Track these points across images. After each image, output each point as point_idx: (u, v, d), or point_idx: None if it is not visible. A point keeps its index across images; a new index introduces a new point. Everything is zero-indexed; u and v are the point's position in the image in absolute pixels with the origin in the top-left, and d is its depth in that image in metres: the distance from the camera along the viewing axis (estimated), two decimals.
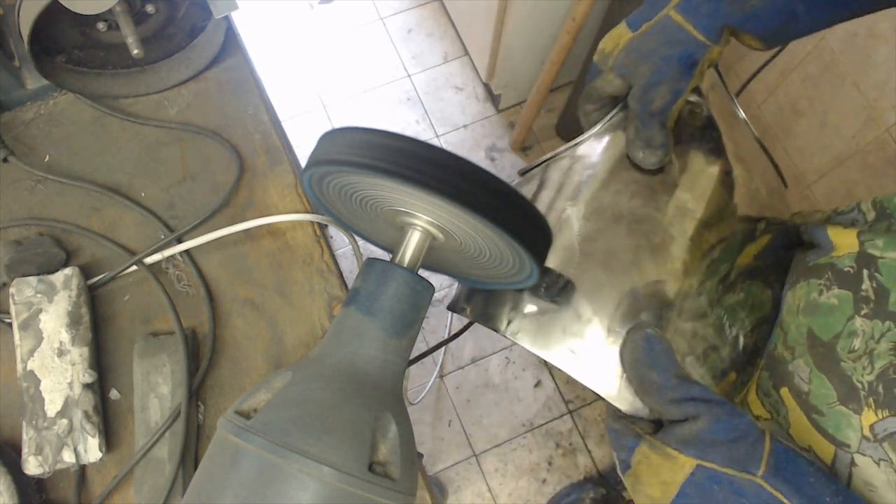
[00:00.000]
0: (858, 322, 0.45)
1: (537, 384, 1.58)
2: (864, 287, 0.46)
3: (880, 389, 0.43)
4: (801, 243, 0.57)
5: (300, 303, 0.63)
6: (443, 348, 1.59)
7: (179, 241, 0.63)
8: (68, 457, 0.54)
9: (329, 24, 1.90)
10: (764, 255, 0.54)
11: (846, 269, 0.48)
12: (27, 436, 0.54)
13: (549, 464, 1.53)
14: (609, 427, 0.47)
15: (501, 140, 1.78)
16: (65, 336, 0.56)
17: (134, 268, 0.62)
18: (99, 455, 0.55)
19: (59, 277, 0.58)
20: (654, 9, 0.50)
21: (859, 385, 0.44)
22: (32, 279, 0.58)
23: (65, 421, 0.54)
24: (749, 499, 0.39)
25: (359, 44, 1.89)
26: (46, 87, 0.68)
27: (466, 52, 1.85)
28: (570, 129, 1.72)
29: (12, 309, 0.57)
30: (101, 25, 0.64)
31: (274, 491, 0.37)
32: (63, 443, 0.54)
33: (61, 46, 0.65)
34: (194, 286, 0.63)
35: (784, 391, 0.51)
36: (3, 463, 0.54)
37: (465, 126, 1.80)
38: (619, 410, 0.47)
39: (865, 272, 0.46)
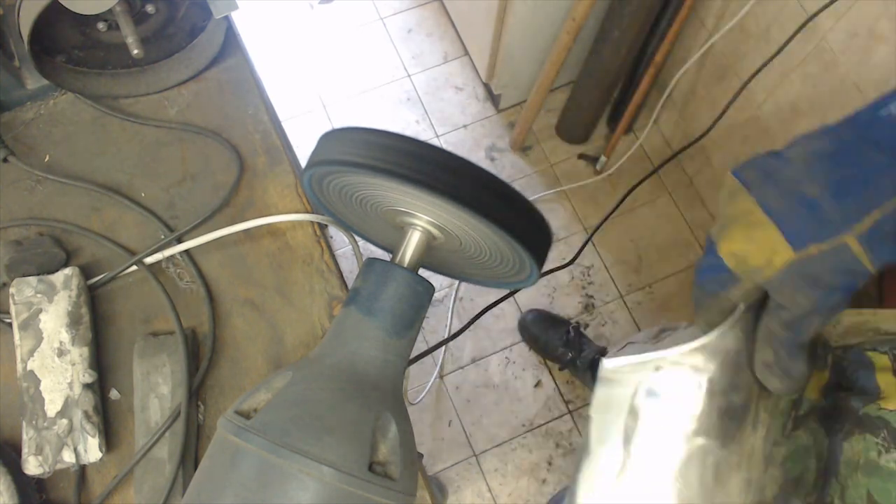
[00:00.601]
0: None
1: (537, 384, 1.58)
2: None
3: None
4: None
5: (300, 303, 0.63)
6: (443, 348, 1.59)
7: (179, 241, 0.63)
8: (68, 457, 0.54)
9: (329, 24, 1.90)
10: (827, 390, 0.50)
11: None
12: (27, 436, 0.54)
13: (549, 464, 1.53)
14: None
15: (501, 140, 1.78)
16: (65, 336, 0.56)
17: (134, 268, 0.62)
18: (99, 455, 0.55)
19: (59, 277, 0.58)
20: (822, 226, 0.40)
21: None
22: (32, 279, 0.58)
23: (65, 421, 0.54)
24: None
25: (359, 44, 1.89)
26: (46, 87, 0.68)
27: (466, 52, 1.85)
28: (570, 129, 1.72)
29: (12, 309, 0.57)
30: (101, 25, 0.64)
31: (274, 491, 0.37)
32: (63, 443, 0.54)
33: (61, 46, 0.65)
34: (194, 286, 0.63)
35: None
36: (3, 463, 0.54)
37: (465, 126, 1.80)
38: None
39: None
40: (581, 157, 1.74)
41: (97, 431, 0.55)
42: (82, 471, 0.57)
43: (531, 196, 1.71)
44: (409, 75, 1.85)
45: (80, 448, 0.54)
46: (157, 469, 0.55)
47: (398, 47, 1.88)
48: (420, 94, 1.84)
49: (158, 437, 0.55)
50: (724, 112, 1.32)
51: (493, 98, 1.80)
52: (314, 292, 0.64)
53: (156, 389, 0.57)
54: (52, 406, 0.54)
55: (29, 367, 0.55)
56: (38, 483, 0.56)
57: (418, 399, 1.53)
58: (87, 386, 0.56)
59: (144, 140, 0.68)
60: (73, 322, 0.57)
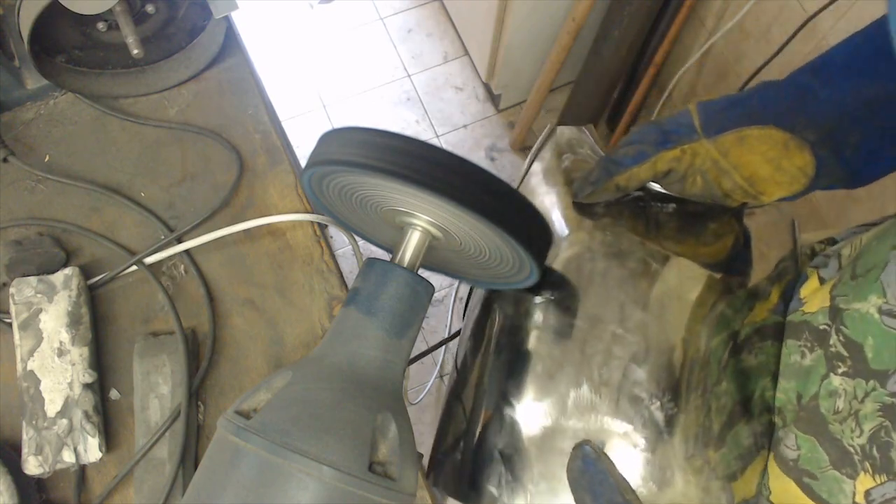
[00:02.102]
0: (837, 381, 0.43)
1: None
2: (831, 342, 0.43)
3: (875, 453, 0.40)
4: None
5: (300, 303, 0.63)
6: (443, 348, 1.59)
7: (179, 241, 0.63)
8: (68, 457, 0.54)
9: (329, 24, 1.90)
10: (777, 308, 0.51)
11: (821, 326, 0.46)
12: (27, 436, 0.54)
13: None
14: None
15: (501, 140, 1.78)
16: (65, 336, 0.56)
17: (134, 268, 0.62)
18: (99, 455, 0.55)
19: (59, 277, 0.58)
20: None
21: (851, 449, 0.42)
22: (32, 279, 0.58)
23: (65, 421, 0.54)
24: None
25: (359, 44, 1.89)
26: (46, 87, 0.68)
27: (466, 52, 1.85)
28: None
29: (12, 309, 0.57)
30: (101, 25, 0.64)
31: (274, 491, 0.37)
32: (63, 443, 0.54)
33: (61, 46, 0.65)
34: (194, 286, 0.63)
35: (770, 458, 0.49)
36: (3, 463, 0.54)
37: (465, 126, 1.80)
38: None
39: (832, 327, 0.44)
40: None
41: (97, 431, 0.55)
42: (82, 471, 0.57)
43: None
44: (408, 75, 1.85)
45: (80, 448, 0.54)
46: (157, 469, 0.55)
47: (398, 47, 1.88)
48: (420, 94, 1.84)
49: (158, 437, 0.55)
50: None
51: (493, 98, 1.80)
52: (314, 292, 0.64)
53: (156, 389, 0.57)
54: (52, 406, 0.54)
55: (29, 367, 0.55)
56: (38, 483, 0.56)
57: (418, 399, 1.53)
58: (87, 386, 0.56)
59: (144, 140, 0.68)
60: (73, 322, 0.57)
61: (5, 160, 0.65)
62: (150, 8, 0.65)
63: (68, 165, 0.67)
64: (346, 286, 0.64)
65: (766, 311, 0.51)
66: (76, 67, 0.67)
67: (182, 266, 0.64)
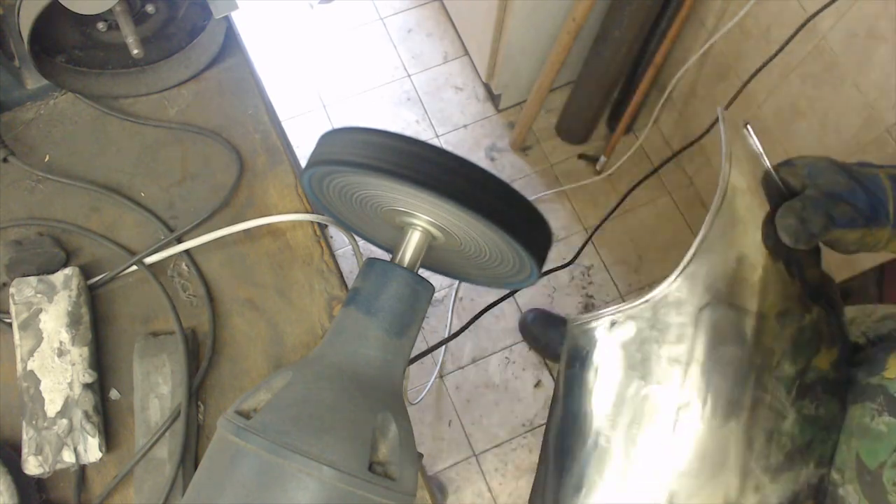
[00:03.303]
0: None
1: (537, 384, 1.58)
2: None
3: None
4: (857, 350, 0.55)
5: (300, 303, 0.63)
6: (443, 348, 1.59)
7: (179, 241, 0.63)
8: (68, 457, 0.54)
9: (329, 24, 1.90)
10: (838, 364, 0.51)
11: None
12: (27, 436, 0.54)
13: None
14: None
15: (501, 140, 1.78)
16: (65, 336, 0.56)
17: (134, 268, 0.62)
18: (99, 455, 0.55)
19: (59, 277, 0.58)
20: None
21: None
22: (32, 279, 0.58)
23: (65, 421, 0.54)
24: None
25: (359, 44, 1.89)
26: (46, 87, 0.68)
27: (466, 52, 1.85)
28: (570, 129, 1.72)
29: (12, 309, 0.57)
30: (101, 25, 0.64)
31: (274, 491, 0.37)
32: (63, 443, 0.54)
33: (61, 46, 0.65)
34: (194, 286, 0.63)
35: None
36: (3, 463, 0.54)
37: (465, 126, 1.80)
38: None
39: None
40: (581, 157, 1.74)
41: (97, 431, 0.55)
42: (82, 471, 0.57)
43: (531, 196, 1.71)
44: (409, 75, 1.85)
45: (80, 448, 0.54)
46: (157, 469, 0.55)
47: (398, 47, 1.88)
48: (420, 94, 1.83)
49: (158, 437, 0.55)
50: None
51: (493, 98, 1.80)
52: (314, 292, 0.64)
53: (156, 389, 0.57)
54: (52, 406, 0.54)
55: (29, 367, 0.55)
56: (38, 483, 0.56)
57: (418, 399, 1.53)
58: (87, 386, 0.56)
59: (144, 140, 0.68)
60: (73, 322, 0.57)
61: (5, 160, 0.65)
62: (150, 8, 0.65)
63: (68, 165, 0.67)
64: (346, 286, 0.64)
65: (828, 363, 0.50)
66: (76, 67, 0.67)
67: (182, 266, 0.64)
